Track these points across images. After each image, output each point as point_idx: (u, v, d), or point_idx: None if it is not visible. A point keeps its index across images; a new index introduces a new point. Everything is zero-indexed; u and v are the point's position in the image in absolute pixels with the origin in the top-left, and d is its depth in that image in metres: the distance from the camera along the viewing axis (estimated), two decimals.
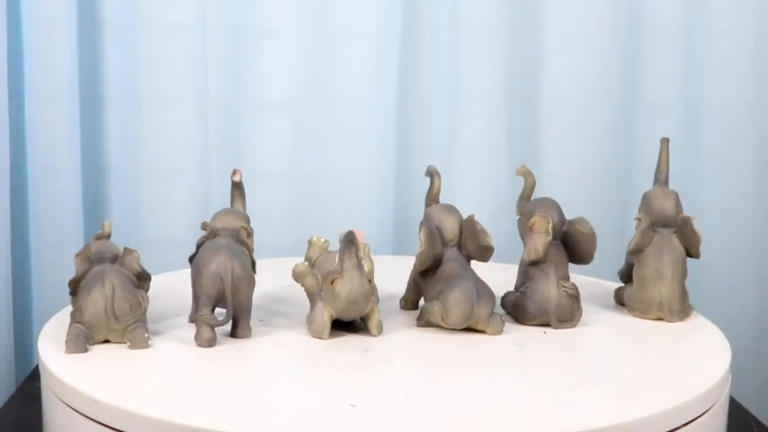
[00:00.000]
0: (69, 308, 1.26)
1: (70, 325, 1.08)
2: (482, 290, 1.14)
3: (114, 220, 1.69)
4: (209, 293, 1.09)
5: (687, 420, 0.97)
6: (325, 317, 1.11)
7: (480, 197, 1.66)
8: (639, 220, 1.26)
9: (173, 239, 1.64)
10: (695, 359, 1.10)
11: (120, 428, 0.93)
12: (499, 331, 1.14)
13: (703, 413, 1.00)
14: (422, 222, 1.20)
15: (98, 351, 1.10)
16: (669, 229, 1.25)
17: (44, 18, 1.57)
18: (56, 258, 1.61)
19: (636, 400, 0.97)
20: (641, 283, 1.23)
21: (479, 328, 1.14)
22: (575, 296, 1.18)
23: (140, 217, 1.64)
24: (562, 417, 0.93)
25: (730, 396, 1.11)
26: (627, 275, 1.28)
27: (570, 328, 1.17)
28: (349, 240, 1.09)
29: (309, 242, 1.18)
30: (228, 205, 1.25)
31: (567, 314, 1.17)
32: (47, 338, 1.13)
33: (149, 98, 1.62)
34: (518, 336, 1.16)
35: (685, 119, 1.66)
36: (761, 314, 1.66)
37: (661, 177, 1.31)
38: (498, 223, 1.65)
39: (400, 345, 1.13)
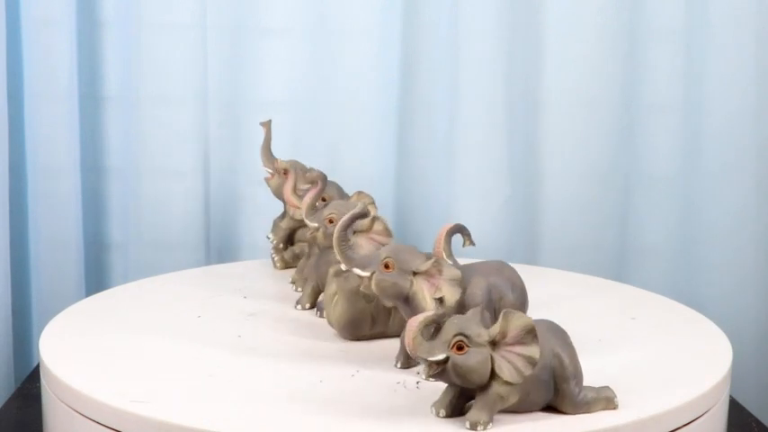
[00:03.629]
0: (70, 308, 1.27)
1: None
2: None
3: (114, 220, 1.70)
4: None
5: (687, 420, 0.97)
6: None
7: (481, 197, 1.66)
8: None
9: (172, 239, 1.64)
10: (696, 359, 1.10)
11: (120, 428, 0.93)
12: None
13: (704, 413, 1.00)
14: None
15: (98, 351, 1.10)
16: None
17: (44, 18, 1.57)
18: (55, 258, 1.61)
19: (636, 400, 0.97)
20: None
21: None
22: None
23: (140, 217, 1.64)
24: (562, 417, 0.93)
25: (730, 396, 1.11)
26: None
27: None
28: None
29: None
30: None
31: None
32: (47, 338, 1.13)
33: (149, 98, 1.62)
34: None
35: (686, 119, 1.66)
36: (761, 314, 1.66)
37: None
38: (499, 223, 1.66)
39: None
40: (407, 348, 0.89)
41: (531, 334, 0.90)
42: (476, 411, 0.90)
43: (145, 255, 1.63)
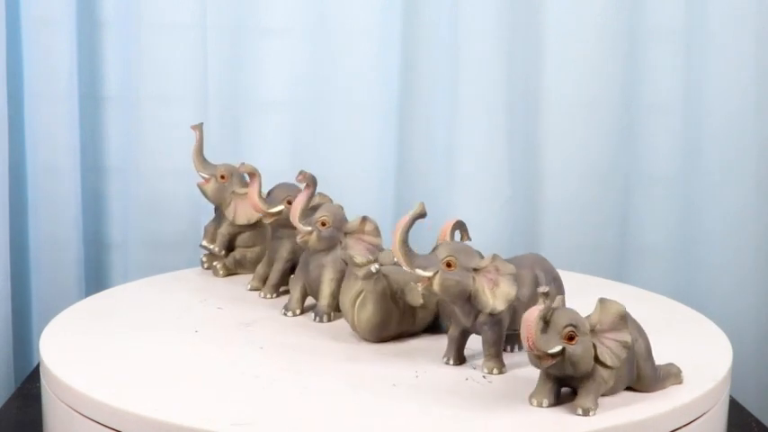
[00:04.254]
0: (70, 308, 1.27)
1: None
2: None
3: (114, 220, 1.70)
4: None
5: (688, 420, 0.97)
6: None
7: (481, 197, 1.65)
8: None
9: (172, 239, 1.64)
10: (696, 359, 1.10)
11: (120, 428, 0.93)
12: None
13: (704, 413, 1.00)
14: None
15: (98, 351, 1.10)
16: None
17: (43, 18, 1.57)
18: (55, 258, 1.61)
19: (636, 400, 0.97)
20: None
21: None
22: None
23: (140, 217, 1.64)
24: (562, 417, 0.93)
25: (730, 396, 1.11)
26: None
27: None
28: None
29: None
30: None
31: None
32: (47, 338, 1.13)
33: (149, 98, 1.62)
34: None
35: (686, 119, 1.66)
36: (761, 314, 1.66)
37: None
38: (499, 223, 1.66)
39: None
40: (527, 343, 0.91)
41: (623, 320, 0.96)
42: (584, 398, 0.94)
43: (145, 255, 1.63)
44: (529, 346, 0.91)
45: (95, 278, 1.69)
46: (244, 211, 1.39)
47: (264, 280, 1.34)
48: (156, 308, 1.28)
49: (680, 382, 1.01)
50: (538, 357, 0.92)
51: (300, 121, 1.67)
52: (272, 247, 1.34)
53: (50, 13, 1.56)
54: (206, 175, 1.40)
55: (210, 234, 1.43)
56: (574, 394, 0.95)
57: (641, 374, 0.99)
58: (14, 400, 1.29)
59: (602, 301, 0.97)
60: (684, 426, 0.97)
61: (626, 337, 0.95)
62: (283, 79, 1.66)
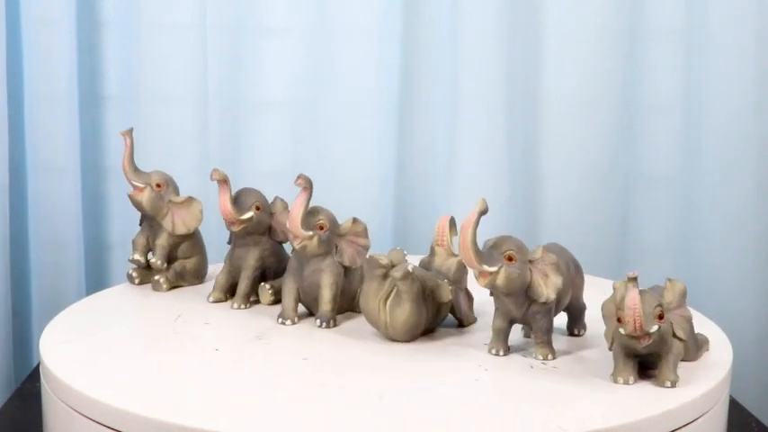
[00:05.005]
0: (70, 308, 1.26)
1: None
2: None
3: (114, 220, 1.70)
4: None
5: (688, 420, 0.97)
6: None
7: (480, 197, 1.65)
8: None
9: None
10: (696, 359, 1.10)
11: (120, 428, 0.93)
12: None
13: (704, 413, 1.00)
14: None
15: (98, 351, 1.10)
16: None
17: (44, 18, 1.57)
18: (55, 258, 1.61)
19: (636, 400, 0.97)
20: None
21: None
22: None
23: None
24: (563, 418, 0.93)
25: (730, 396, 1.11)
26: None
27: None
28: None
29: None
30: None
31: None
32: (47, 338, 1.13)
33: (149, 98, 1.62)
34: (513, 337, 1.16)
35: (686, 119, 1.66)
36: (761, 314, 1.66)
37: None
38: (499, 223, 1.66)
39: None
40: (635, 326, 0.97)
41: (684, 297, 1.05)
42: (668, 371, 1.01)
43: None
44: (635, 329, 0.97)
45: (95, 278, 1.69)
46: (182, 220, 1.33)
47: (226, 290, 1.29)
48: (156, 308, 1.28)
49: (708, 350, 1.11)
50: (638, 338, 0.98)
51: (300, 121, 1.67)
52: (237, 255, 1.28)
53: (50, 13, 1.57)
54: (140, 184, 1.31)
55: (142, 247, 1.35)
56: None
57: (688, 345, 1.06)
58: (14, 400, 1.29)
59: (670, 281, 1.05)
60: (684, 426, 0.97)
61: (688, 313, 1.05)
62: (283, 79, 1.66)
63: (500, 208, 1.65)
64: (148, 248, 1.36)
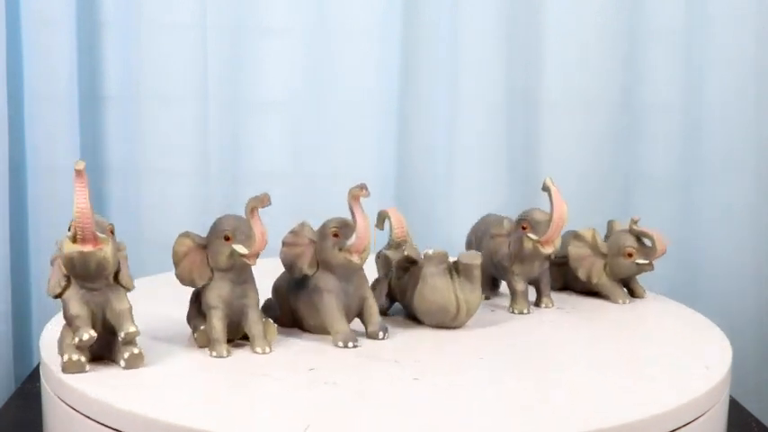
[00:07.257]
0: None
1: None
2: None
3: (114, 220, 1.70)
4: None
5: (687, 420, 0.97)
6: None
7: (480, 197, 1.66)
8: None
9: (172, 240, 1.64)
10: (696, 359, 1.10)
11: (120, 428, 0.93)
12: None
13: (704, 413, 1.00)
14: None
15: None
16: None
17: (44, 18, 1.57)
18: None
19: (636, 400, 0.97)
20: None
21: None
22: None
23: (140, 217, 1.64)
24: (563, 418, 0.93)
25: (730, 396, 1.11)
26: None
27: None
28: None
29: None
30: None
31: None
32: (48, 338, 1.13)
33: (149, 98, 1.62)
34: (513, 339, 1.16)
35: (686, 119, 1.66)
36: (761, 314, 1.66)
37: None
38: None
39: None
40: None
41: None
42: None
43: (145, 254, 1.63)
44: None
45: None
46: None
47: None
48: (156, 308, 1.28)
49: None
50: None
51: (300, 121, 1.67)
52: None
53: (50, 13, 1.57)
54: (101, 235, 1.02)
55: None
56: None
57: None
58: (14, 400, 1.29)
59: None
60: (684, 426, 0.97)
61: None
62: (283, 79, 1.66)
63: (500, 208, 1.65)
64: None
